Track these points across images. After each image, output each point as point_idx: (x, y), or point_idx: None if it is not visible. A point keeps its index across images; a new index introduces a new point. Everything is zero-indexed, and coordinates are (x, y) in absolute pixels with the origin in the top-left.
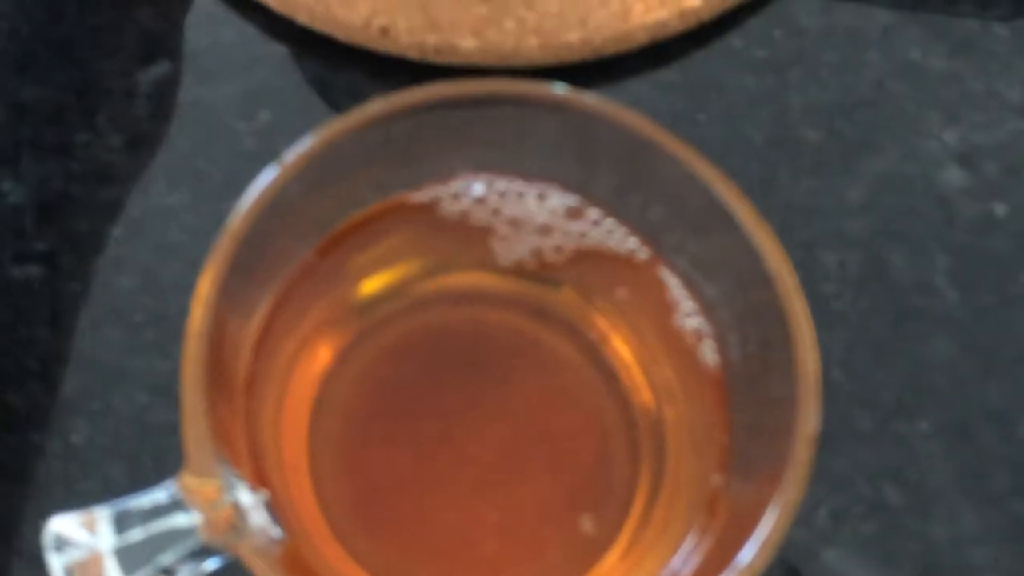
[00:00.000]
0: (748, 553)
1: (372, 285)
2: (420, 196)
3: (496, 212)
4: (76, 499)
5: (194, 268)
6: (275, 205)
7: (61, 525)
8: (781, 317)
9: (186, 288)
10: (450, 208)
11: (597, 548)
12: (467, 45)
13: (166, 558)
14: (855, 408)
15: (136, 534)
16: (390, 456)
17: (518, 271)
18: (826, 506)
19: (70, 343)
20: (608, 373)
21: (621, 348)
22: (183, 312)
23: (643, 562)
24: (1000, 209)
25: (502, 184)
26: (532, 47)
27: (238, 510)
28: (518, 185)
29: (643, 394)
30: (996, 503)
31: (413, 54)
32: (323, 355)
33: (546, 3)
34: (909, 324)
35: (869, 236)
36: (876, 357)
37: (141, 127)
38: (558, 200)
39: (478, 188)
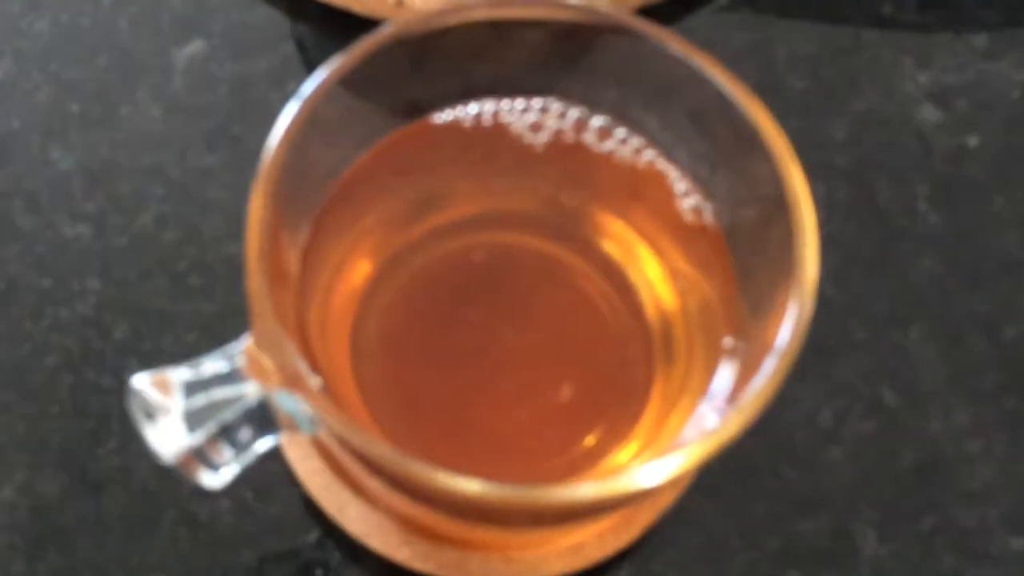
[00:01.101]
0: (781, 342)
1: (407, 204)
2: (442, 117)
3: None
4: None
5: (234, 220)
6: (315, 119)
7: (140, 382)
8: (776, 177)
9: (226, 238)
10: (470, 126)
11: (616, 439)
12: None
13: (226, 416)
14: (850, 320)
15: (200, 398)
16: (426, 367)
17: (536, 191)
18: (828, 409)
19: (121, 293)
20: (623, 284)
21: (636, 256)
22: (225, 259)
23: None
24: (973, 140)
25: (512, 103)
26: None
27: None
28: (521, 103)
29: (656, 292)
30: (987, 399)
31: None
32: (364, 268)
33: None
34: (896, 244)
35: (854, 168)
36: (867, 274)
37: (179, 99)
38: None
39: (490, 107)
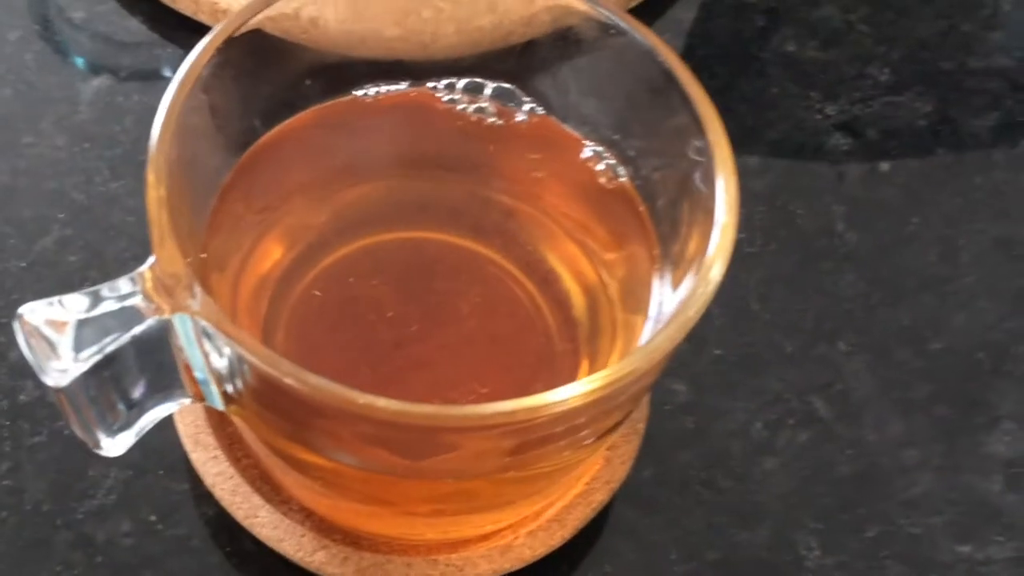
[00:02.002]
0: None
1: (319, 182)
2: (366, 90)
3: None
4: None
5: (139, 244)
6: (207, 87)
7: (30, 311)
8: (694, 116)
9: (131, 260)
10: (377, 104)
11: None
12: (390, 33)
13: (119, 340)
14: (777, 335)
15: (93, 324)
16: (340, 363)
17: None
18: (760, 420)
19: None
20: (540, 268)
21: (552, 236)
22: None
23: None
24: (884, 166)
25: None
26: (449, 33)
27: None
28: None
29: (576, 268)
30: (919, 410)
31: (341, 44)
32: (275, 254)
33: None
34: (817, 263)
35: (770, 192)
36: (790, 291)
37: (85, 129)
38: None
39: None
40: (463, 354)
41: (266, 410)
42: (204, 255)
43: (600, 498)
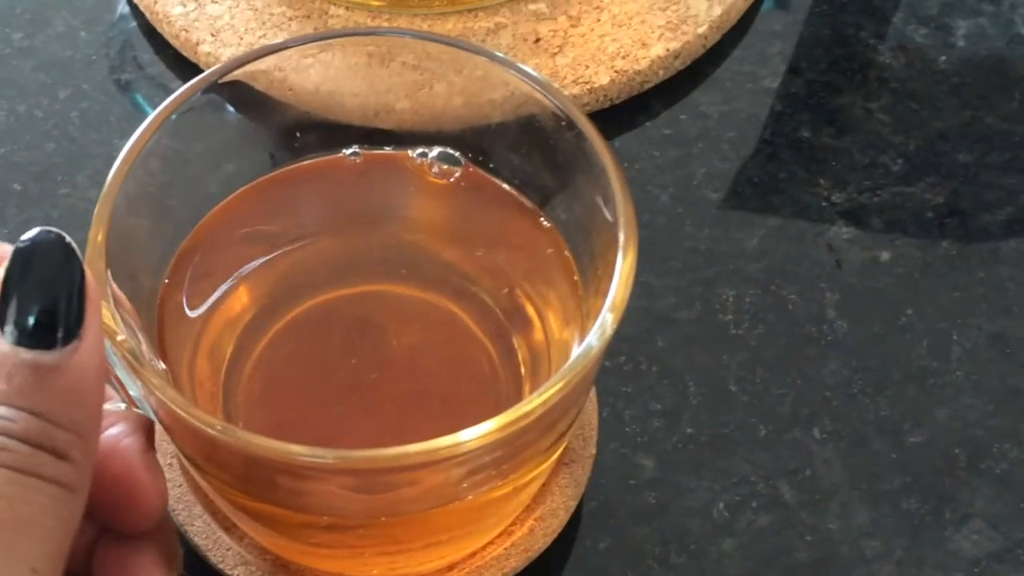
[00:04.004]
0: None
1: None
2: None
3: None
4: None
5: None
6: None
7: None
8: (595, 164)
9: None
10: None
11: None
12: (401, 106)
13: None
14: (752, 417)
15: None
16: (301, 415)
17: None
18: (723, 501)
19: None
20: (481, 311)
21: (491, 286)
22: None
23: None
24: (885, 255)
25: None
26: (457, 106)
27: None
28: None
29: (514, 308)
30: (887, 501)
31: (356, 116)
32: (244, 304)
33: (474, 67)
34: (802, 348)
35: (765, 276)
36: (772, 375)
37: None
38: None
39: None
40: (413, 400)
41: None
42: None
43: (513, 564)
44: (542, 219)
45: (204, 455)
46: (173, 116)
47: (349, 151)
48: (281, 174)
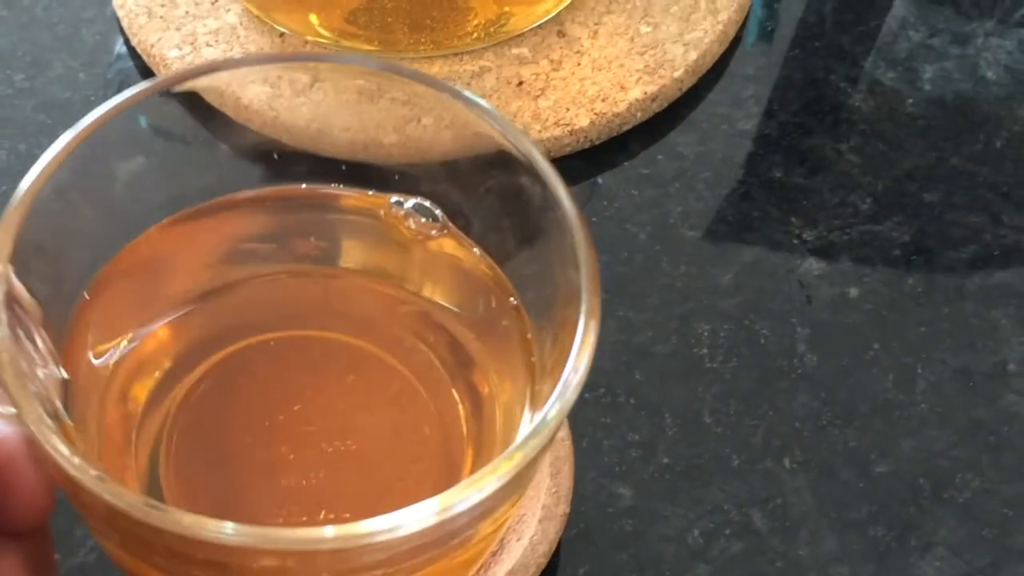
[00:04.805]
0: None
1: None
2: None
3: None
4: None
5: None
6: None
7: None
8: (562, 228)
9: None
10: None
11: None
12: (389, 140)
13: None
14: (725, 448)
15: None
16: (229, 471)
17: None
18: (697, 528)
19: None
20: (428, 371)
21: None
22: None
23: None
24: (853, 291)
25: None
26: (446, 140)
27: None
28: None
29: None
30: (854, 529)
31: (344, 151)
32: (165, 342)
33: (454, 111)
34: (774, 381)
35: (738, 311)
36: (745, 407)
37: None
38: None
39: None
40: (344, 463)
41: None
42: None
43: None
44: (511, 299)
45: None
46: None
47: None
48: (229, 201)
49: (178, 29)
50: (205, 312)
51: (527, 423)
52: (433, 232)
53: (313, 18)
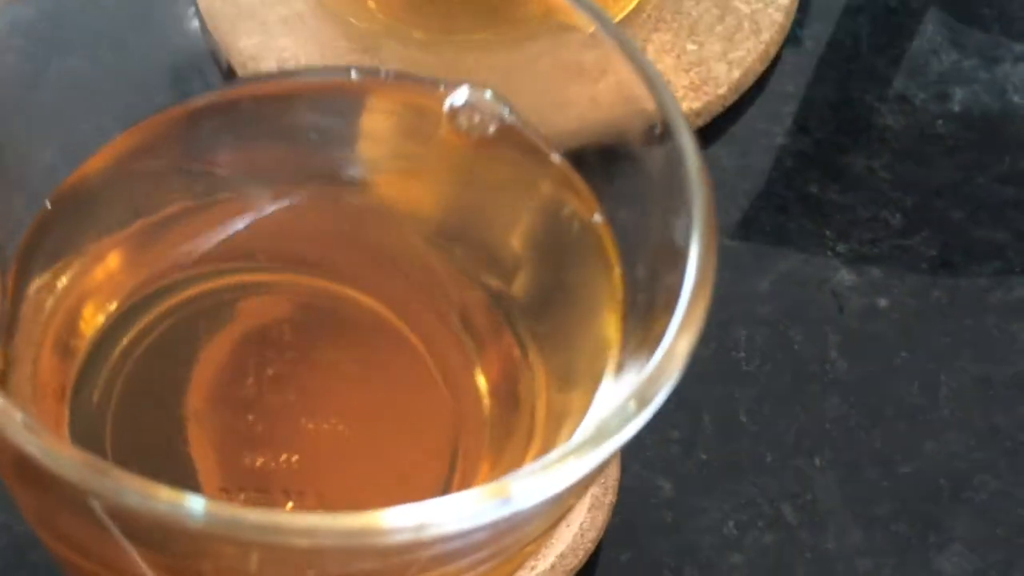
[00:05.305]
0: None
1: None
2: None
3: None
4: None
5: None
6: None
7: None
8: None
9: None
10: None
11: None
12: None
13: None
14: (760, 446)
15: None
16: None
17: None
18: (732, 520)
19: None
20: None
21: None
22: None
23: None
24: (883, 302)
25: None
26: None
27: None
28: None
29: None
30: (880, 524)
31: None
32: (119, 276)
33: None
34: (806, 385)
35: (774, 318)
36: (778, 408)
37: None
38: None
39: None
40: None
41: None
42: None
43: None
44: (595, 216)
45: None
46: None
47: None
48: (230, 95)
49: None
50: (176, 237)
51: (612, 391)
52: (492, 130)
53: (371, 3)
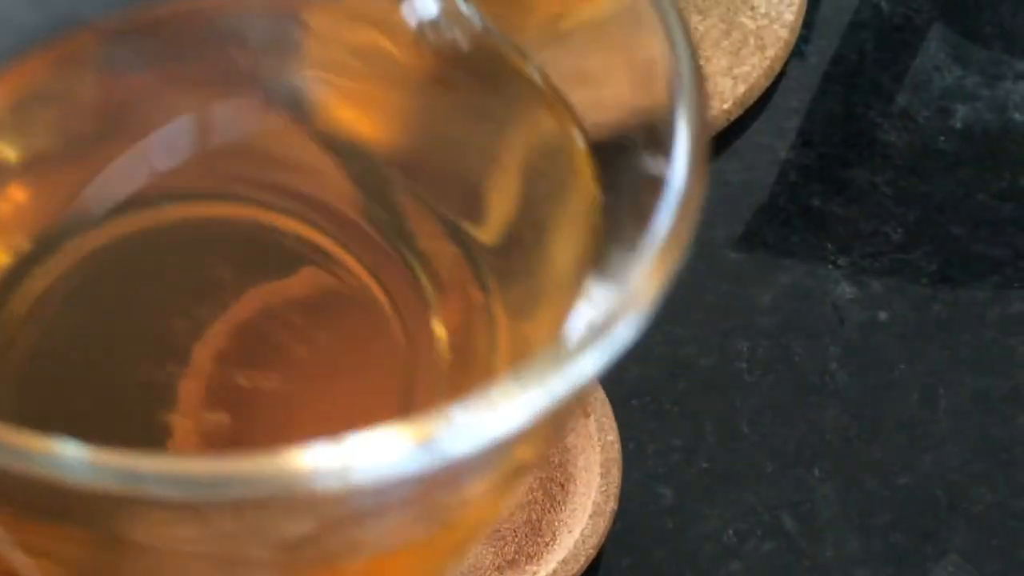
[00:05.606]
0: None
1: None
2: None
3: None
4: None
5: None
6: None
7: None
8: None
9: None
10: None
11: None
12: None
13: None
14: (760, 456)
15: None
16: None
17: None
18: (732, 528)
19: None
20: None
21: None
22: None
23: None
24: (883, 315)
25: None
26: None
27: None
28: None
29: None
30: (878, 534)
31: None
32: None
33: None
34: (807, 396)
35: (776, 330)
36: (779, 419)
37: None
38: None
39: None
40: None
41: None
42: None
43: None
44: (576, 138)
45: None
46: None
47: None
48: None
49: None
50: (91, 162)
51: (588, 317)
52: (461, 42)
53: None
